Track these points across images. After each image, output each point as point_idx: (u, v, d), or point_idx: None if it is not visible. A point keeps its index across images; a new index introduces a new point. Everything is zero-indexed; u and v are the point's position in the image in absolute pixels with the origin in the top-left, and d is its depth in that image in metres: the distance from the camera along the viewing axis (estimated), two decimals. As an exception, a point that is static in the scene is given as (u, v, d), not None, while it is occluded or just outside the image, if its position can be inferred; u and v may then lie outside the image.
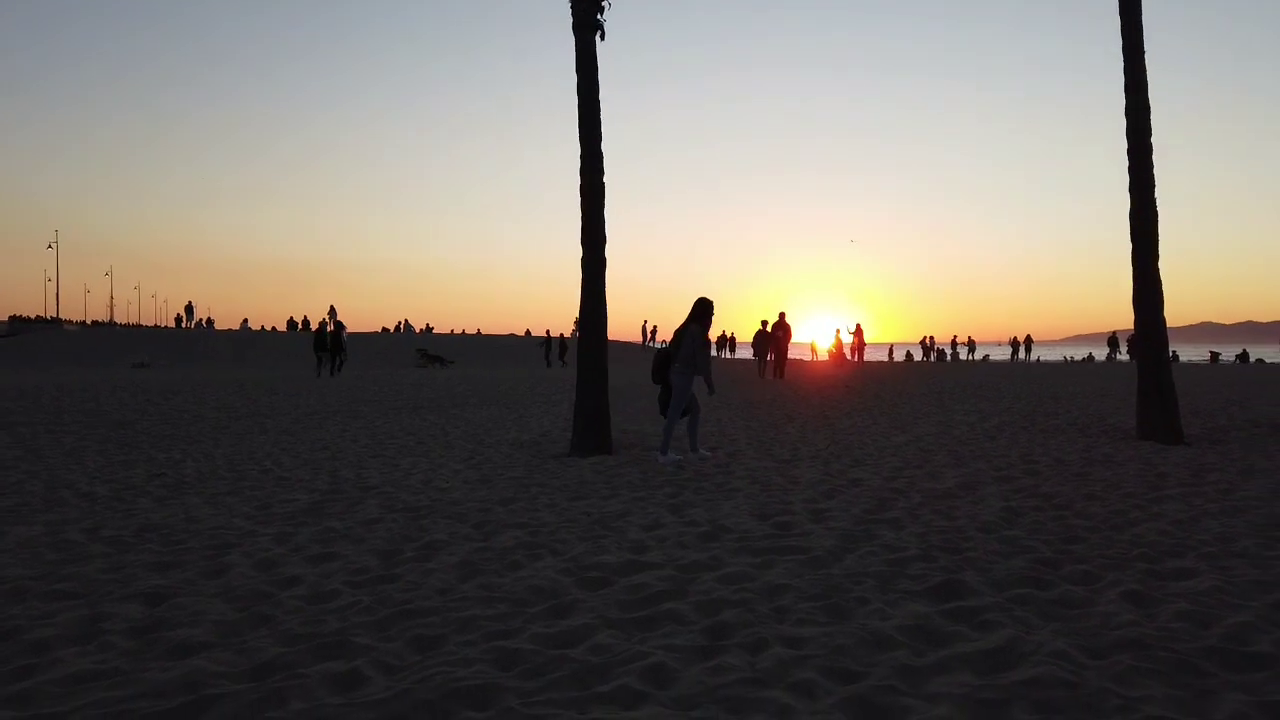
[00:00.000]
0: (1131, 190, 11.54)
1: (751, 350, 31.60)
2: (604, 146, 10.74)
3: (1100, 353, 59.52)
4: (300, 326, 64.75)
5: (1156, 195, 11.49)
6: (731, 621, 4.15)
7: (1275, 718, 3.12)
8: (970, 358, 58.11)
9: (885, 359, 57.38)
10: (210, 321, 70.62)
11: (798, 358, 47.00)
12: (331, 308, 65.25)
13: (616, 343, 58.88)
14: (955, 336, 59.59)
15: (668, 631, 4.07)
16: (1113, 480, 8.20)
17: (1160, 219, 11.47)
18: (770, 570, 5.05)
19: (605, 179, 10.71)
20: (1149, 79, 11.51)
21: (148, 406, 17.53)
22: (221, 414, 16.20)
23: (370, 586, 4.94)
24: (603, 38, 10.77)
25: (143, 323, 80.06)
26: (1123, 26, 11.59)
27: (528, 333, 68.94)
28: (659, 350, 10.24)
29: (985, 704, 3.23)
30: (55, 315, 76.99)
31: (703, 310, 9.91)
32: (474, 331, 71.58)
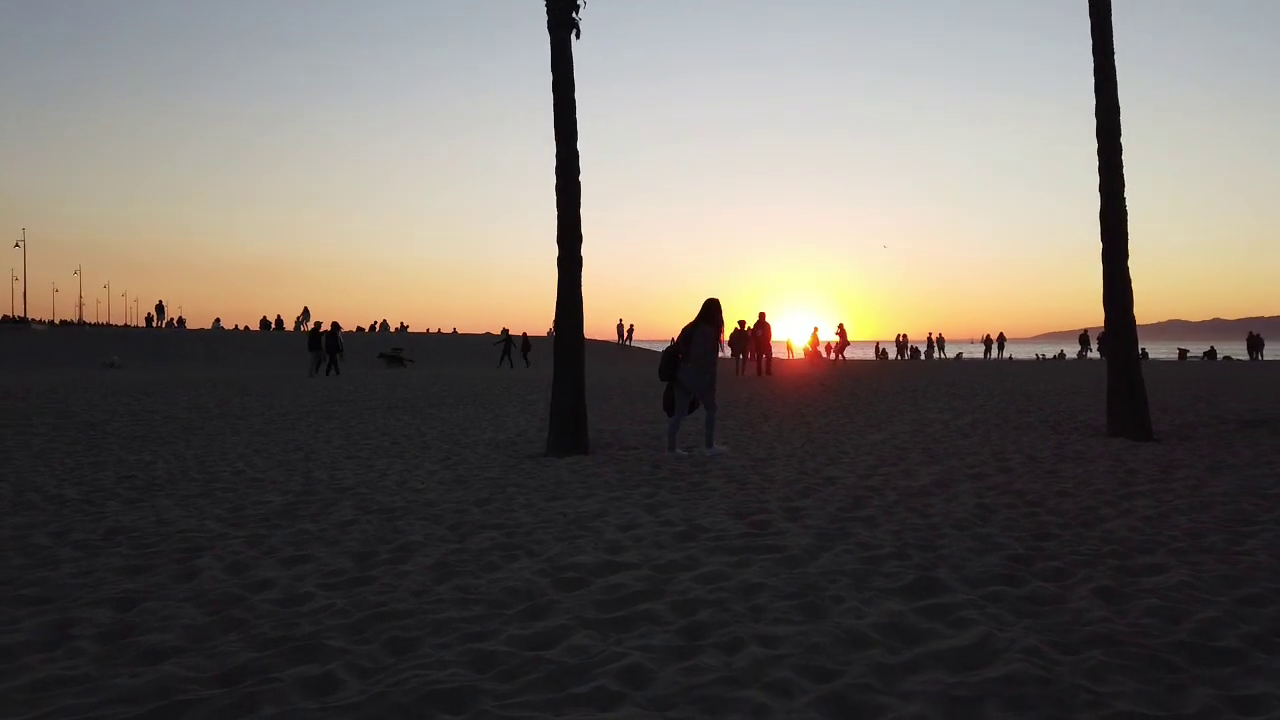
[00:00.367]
0: (1102, 190, 11.68)
1: (729, 349, 31.70)
2: (580, 145, 10.72)
3: (1071, 350, 60.21)
4: (274, 326, 64.15)
5: (1126, 194, 11.64)
6: (708, 621, 4.16)
7: (1244, 712, 3.17)
8: (941, 355, 58.56)
9: (873, 357, 57.64)
10: (182, 321, 69.81)
11: (775, 356, 47.22)
12: (305, 309, 64.71)
13: (593, 342, 58.84)
14: (931, 334, 60.06)
15: (644, 632, 4.07)
16: (1084, 477, 8.30)
17: (1129, 218, 11.62)
18: (746, 569, 5.07)
19: (581, 178, 10.69)
20: (1119, 79, 11.66)
21: (118, 407, 17.30)
22: (193, 415, 16.01)
23: (345, 589, 4.90)
24: (578, 36, 10.75)
25: (113, 322, 78.99)
26: (1093, 27, 11.73)
27: (504, 332, 68.72)
28: (667, 349, 10.39)
29: (959, 701, 3.26)
30: (23, 315, 75.76)
31: (713, 311, 10.17)
32: (450, 331, 71.24)
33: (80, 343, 48.96)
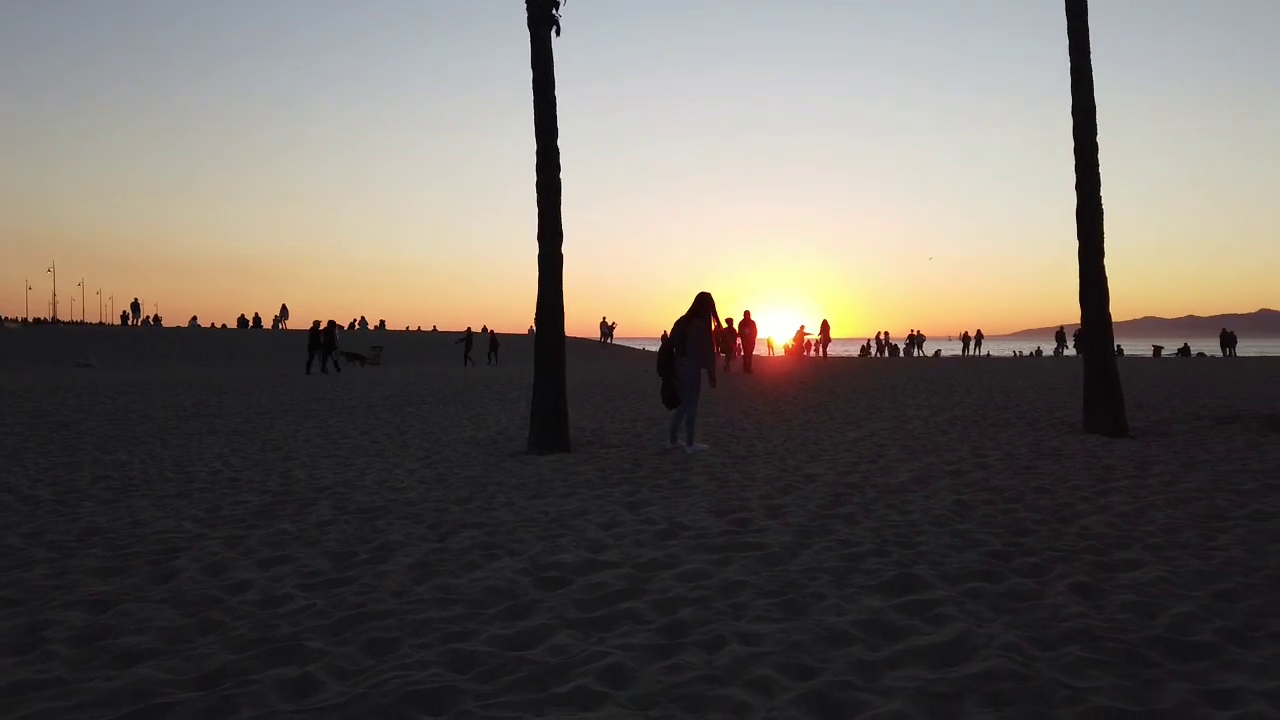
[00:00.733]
0: (1078, 189, 11.78)
1: (716, 346, 31.91)
2: (561, 143, 10.70)
3: (1048, 347, 60.75)
4: (252, 324, 63.63)
5: (1102, 193, 11.74)
6: (689, 620, 4.16)
7: (1219, 705, 3.20)
8: (920, 353, 58.93)
9: (857, 354, 57.89)
10: (158, 319, 69.06)
11: (756, 354, 47.37)
12: (284, 306, 64.23)
13: (574, 339, 58.79)
14: (912, 331, 60.42)
15: (626, 631, 4.07)
16: (1060, 473, 8.37)
17: (1105, 216, 11.73)
18: (727, 567, 5.08)
19: (562, 175, 10.67)
20: (1095, 78, 11.76)
21: (92, 406, 17.09)
22: (169, 414, 15.85)
23: (323, 590, 4.87)
24: (558, 33, 10.72)
25: (87, 320, 77.99)
26: (1069, 28, 11.82)
27: (485, 329, 68.49)
28: (663, 345, 10.62)
29: (939, 697, 3.28)
30: (-6, 313, 74.68)
31: (706, 305, 10.38)
32: (430, 328, 70.94)
33: (54, 342, 48.35)
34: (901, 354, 58.47)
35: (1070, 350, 52.57)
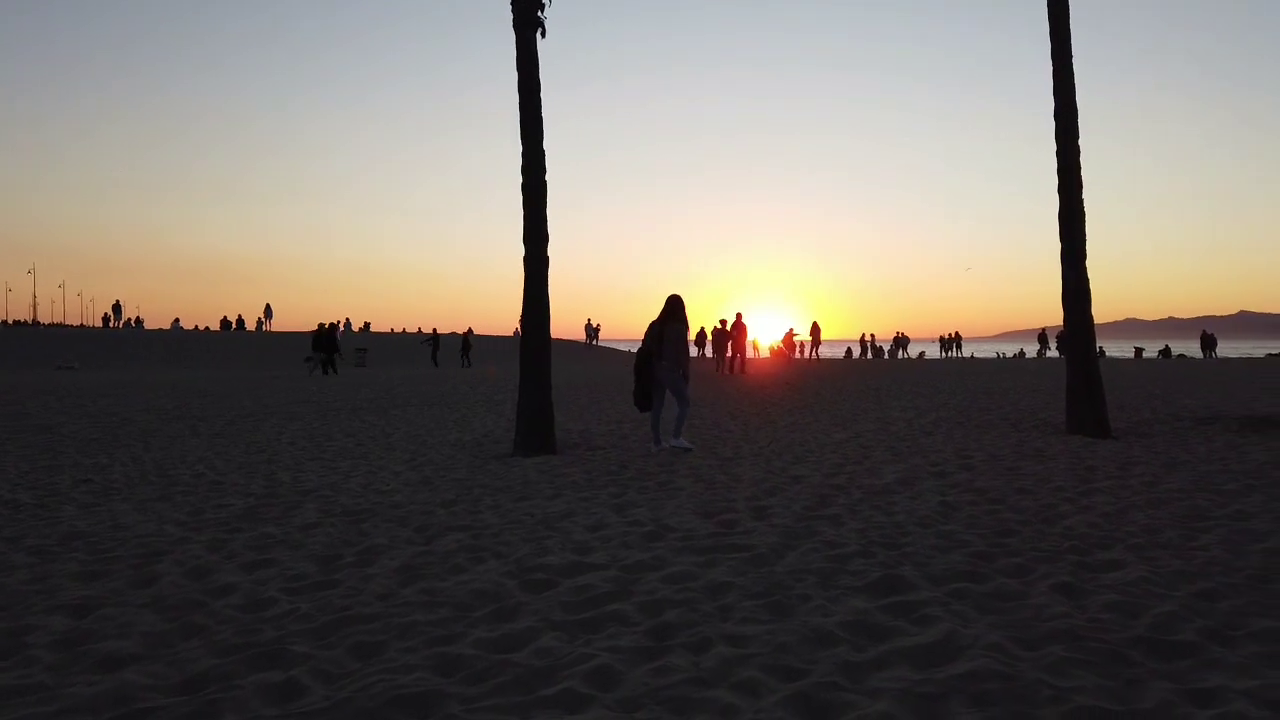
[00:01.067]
0: (1060, 192, 11.87)
1: (711, 348, 32.69)
2: (547, 145, 10.69)
3: (1031, 349, 61.15)
4: (235, 325, 63.21)
5: (1084, 196, 11.83)
6: (675, 621, 4.17)
7: (1200, 705, 3.23)
8: (904, 355, 59.20)
9: (842, 356, 58.08)
10: (139, 321, 68.50)
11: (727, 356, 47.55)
12: (267, 306, 63.86)
13: (560, 341, 58.72)
14: (898, 332, 60.68)
15: (612, 633, 4.06)
16: (1044, 474, 8.43)
17: (1087, 219, 11.82)
18: (714, 569, 5.08)
19: (548, 177, 10.67)
20: (1076, 79, 11.85)
21: (73, 409, 16.94)
22: (151, 417, 15.73)
23: (308, 593, 4.84)
24: (544, 35, 10.72)
25: (68, 322, 77.26)
26: (1051, 28, 11.91)
27: (469, 331, 68.29)
28: (641, 349, 10.74)
29: (924, 698, 3.29)
30: (-27, 315, 73.91)
31: (679, 308, 10.56)
32: (414, 330, 70.64)
33: (34, 344, 47.90)
34: (886, 356, 58.72)
35: (1053, 352, 52.94)
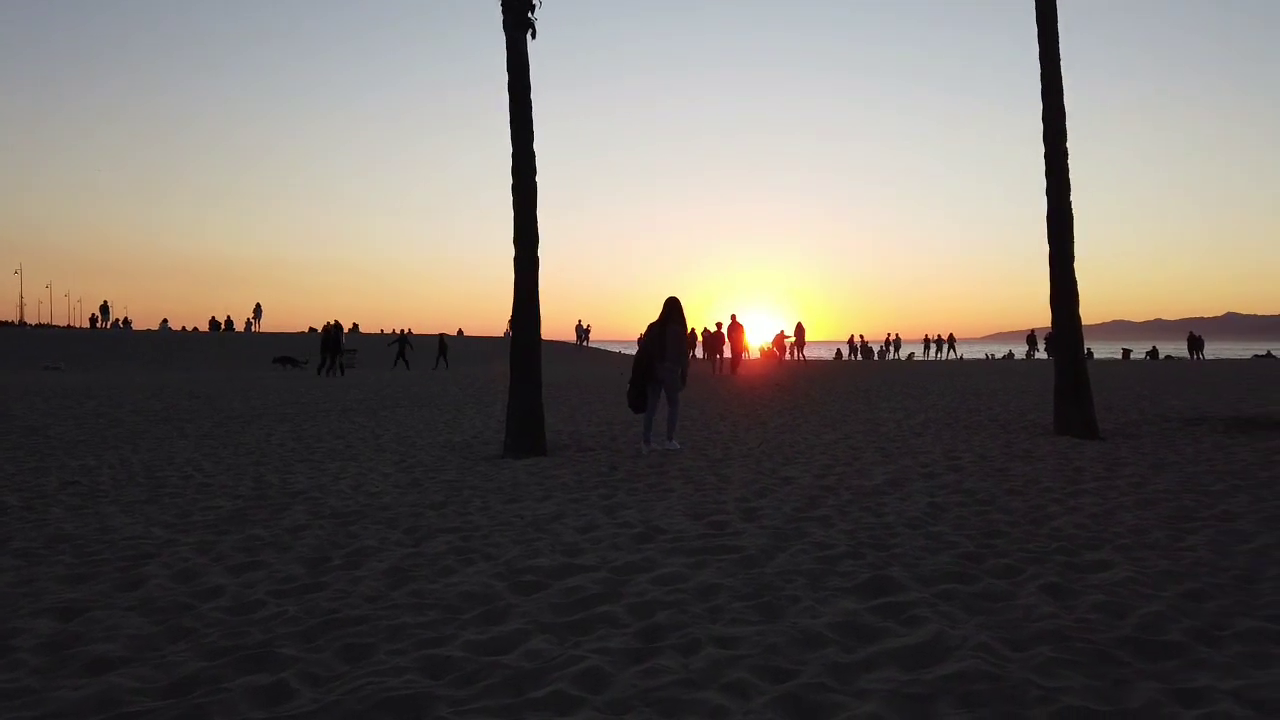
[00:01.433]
0: (1048, 193, 11.92)
1: (704, 350, 33.26)
2: (538, 146, 10.69)
3: (1020, 350, 61.39)
4: (223, 326, 62.93)
5: (1072, 198, 11.89)
6: (665, 623, 4.17)
7: (1187, 704, 3.25)
8: (895, 355, 59.36)
9: (831, 357, 58.20)
10: (127, 321, 68.13)
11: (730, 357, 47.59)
12: (257, 305, 63.59)
13: (551, 342, 58.66)
14: (889, 334, 60.80)
15: (602, 635, 4.06)
16: (1032, 475, 8.46)
17: (1074, 220, 11.88)
18: (703, 570, 5.08)
19: (539, 179, 10.66)
20: (1064, 83, 11.91)
21: (61, 411, 16.84)
22: (139, 418, 15.65)
23: (296, 595, 4.82)
24: (534, 36, 10.71)
25: (55, 323, 76.73)
26: (1039, 32, 11.97)
27: (460, 332, 68.21)
28: (641, 351, 10.85)
29: (912, 699, 3.30)
30: (-41, 315, 73.37)
31: (679, 310, 10.68)
32: (404, 330, 70.44)
33: (21, 344, 47.60)
34: (877, 356, 58.85)
35: (1041, 353, 53.18)
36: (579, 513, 6.91)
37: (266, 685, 3.51)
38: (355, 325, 69.11)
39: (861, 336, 60.56)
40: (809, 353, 48.55)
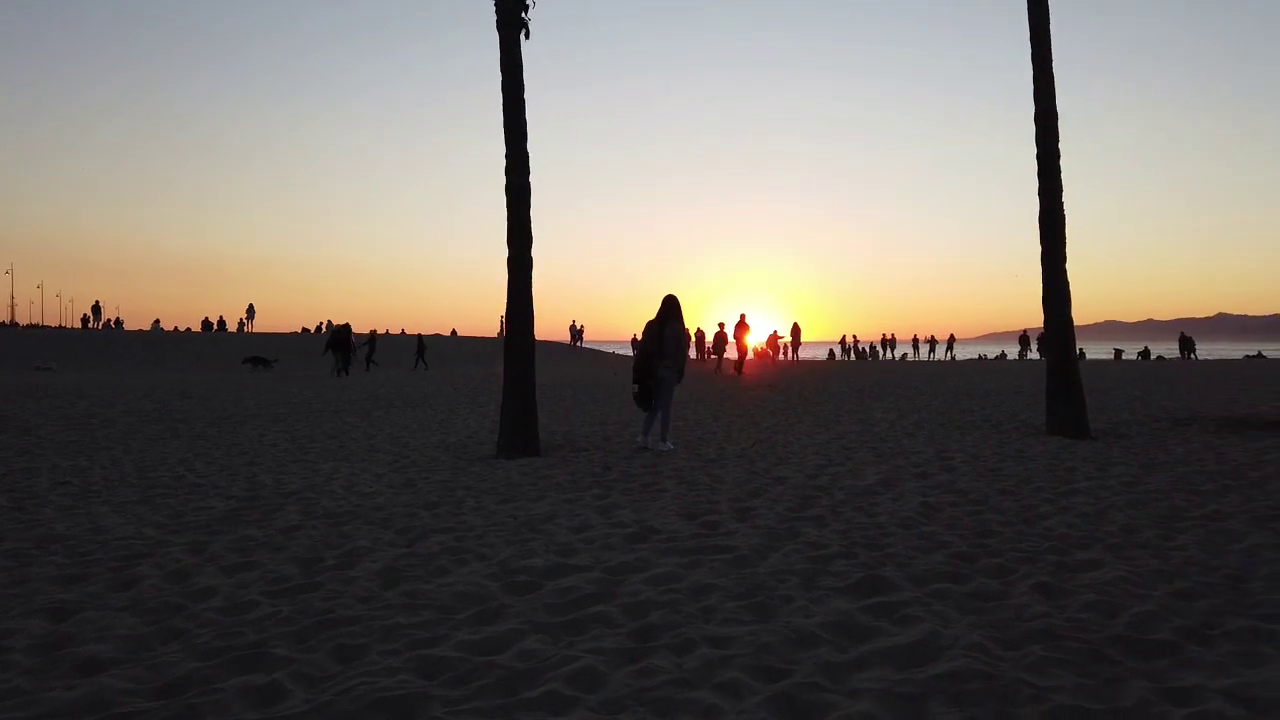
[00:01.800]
0: (1041, 194, 11.96)
1: (710, 349, 33.81)
2: (531, 146, 10.68)
3: (1012, 350, 61.55)
4: (216, 327, 62.74)
5: (1064, 198, 11.93)
6: (659, 623, 4.17)
7: (1178, 703, 3.27)
8: (891, 355, 59.48)
9: (824, 358, 58.29)
10: (119, 322, 67.86)
11: (726, 357, 47.63)
12: (250, 306, 63.41)
13: (544, 343, 58.62)
14: (884, 334, 60.91)
15: (596, 635, 4.07)
16: (1024, 475, 8.49)
17: (1067, 221, 11.92)
18: (697, 570, 5.09)
19: (533, 179, 10.66)
20: (1057, 84, 11.94)
21: (52, 411, 16.77)
22: (131, 418, 15.60)
23: (290, 596, 4.81)
24: (527, 36, 10.70)
25: (46, 323, 76.37)
26: (1031, 33, 12.00)
27: (453, 332, 68.12)
28: (640, 351, 10.90)
29: (905, 698, 3.31)
30: (-51, 315, 72.98)
31: (677, 309, 10.77)
32: (398, 331, 70.35)
33: (12, 345, 47.38)
34: (870, 356, 58.94)
35: (1034, 354, 53.33)
36: (573, 513, 6.91)
37: (260, 686, 3.51)
38: (347, 325, 68.91)
39: (854, 337, 60.67)
40: (803, 353, 48.62)
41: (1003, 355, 61.28)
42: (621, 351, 60.68)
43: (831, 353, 60.73)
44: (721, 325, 32.63)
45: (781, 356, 45.83)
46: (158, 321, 65.48)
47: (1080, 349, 44.35)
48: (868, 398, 19.27)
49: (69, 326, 68.75)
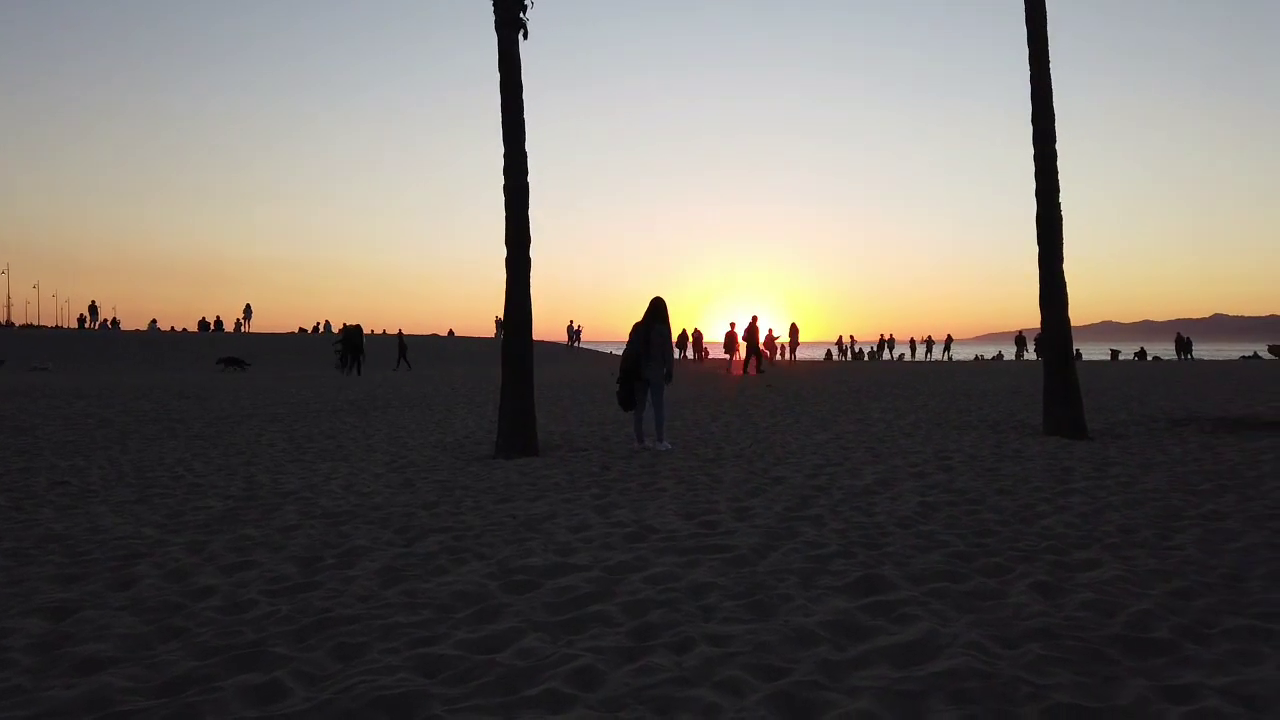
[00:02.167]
0: (1038, 195, 11.98)
1: (723, 349, 34.57)
2: (530, 146, 10.69)
3: (1009, 351, 61.62)
4: (213, 327, 62.66)
5: (1061, 199, 11.95)
6: (658, 622, 4.18)
7: (1175, 701, 3.28)
8: (890, 355, 59.54)
9: (821, 358, 58.36)
10: (116, 322, 67.75)
11: (722, 357, 47.61)
12: (247, 306, 63.34)
13: (542, 343, 58.61)
14: (882, 335, 60.94)
15: (595, 633, 4.07)
16: (1022, 475, 8.51)
17: (1064, 222, 11.94)
18: (696, 569, 5.10)
19: (531, 179, 10.66)
20: (1054, 85, 11.97)
21: (48, 411, 16.75)
22: (129, 418, 15.58)
23: (289, 595, 4.82)
24: (526, 36, 10.71)
25: (43, 323, 76.23)
26: (1029, 35, 12.02)
27: (450, 333, 68.08)
28: (628, 351, 10.92)
29: (904, 696, 3.32)
30: (-55, 315, 72.86)
31: (664, 311, 10.82)
32: (395, 332, 70.28)
33: (8, 345, 47.30)
34: (867, 357, 58.98)
35: (1031, 354, 53.40)
36: (571, 512, 6.91)
37: (259, 684, 3.51)
38: (344, 326, 68.85)
39: (851, 337, 60.72)
40: (800, 354, 48.72)
41: (1000, 356, 61.34)
42: (620, 352, 60.66)
43: (829, 353, 60.78)
44: (732, 325, 33.13)
45: (779, 357, 45.87)
46: (155, 322, 65.37)
47: (1077, 350, 44.44)
48: (865, 398, 19.28)
49: (65, 327, 68.65)
